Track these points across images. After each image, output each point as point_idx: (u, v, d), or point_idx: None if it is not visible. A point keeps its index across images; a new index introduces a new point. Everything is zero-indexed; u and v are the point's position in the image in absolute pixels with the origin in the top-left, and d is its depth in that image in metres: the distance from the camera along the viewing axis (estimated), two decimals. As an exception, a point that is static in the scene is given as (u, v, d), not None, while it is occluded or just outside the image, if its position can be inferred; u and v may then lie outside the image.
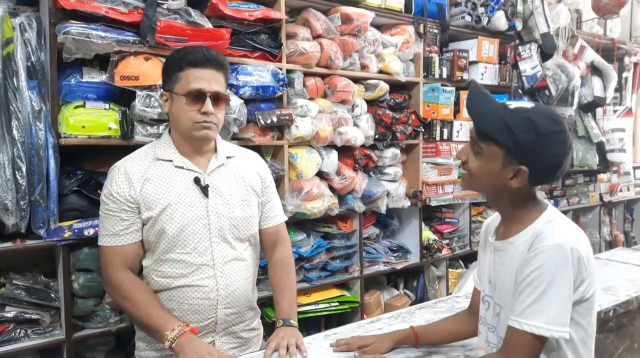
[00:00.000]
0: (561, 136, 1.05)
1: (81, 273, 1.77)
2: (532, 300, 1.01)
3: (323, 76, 2.44)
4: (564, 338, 1.01)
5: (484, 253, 1.24)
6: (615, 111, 4.21)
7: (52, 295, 1.77)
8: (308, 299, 2.40)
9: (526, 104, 1.10)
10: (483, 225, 1.30)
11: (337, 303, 2.47)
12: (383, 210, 2.64)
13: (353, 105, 2.51)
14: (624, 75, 4.29)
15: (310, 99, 2.37)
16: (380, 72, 2.63)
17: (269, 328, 1.89)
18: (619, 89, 4.24)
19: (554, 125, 1.04)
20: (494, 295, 1.16)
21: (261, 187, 1.57)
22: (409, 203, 2.78)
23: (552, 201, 3.65)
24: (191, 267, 1.41)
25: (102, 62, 1.83)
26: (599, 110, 4.04)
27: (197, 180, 1.44)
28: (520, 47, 3.25)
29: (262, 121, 2.12)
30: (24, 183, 1.63)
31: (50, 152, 1.68)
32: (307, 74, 2.36)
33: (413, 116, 2.78)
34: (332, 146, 2.45)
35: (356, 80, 2.56)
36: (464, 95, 2.96)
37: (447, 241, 3.08)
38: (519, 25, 3.23)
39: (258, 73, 2.10)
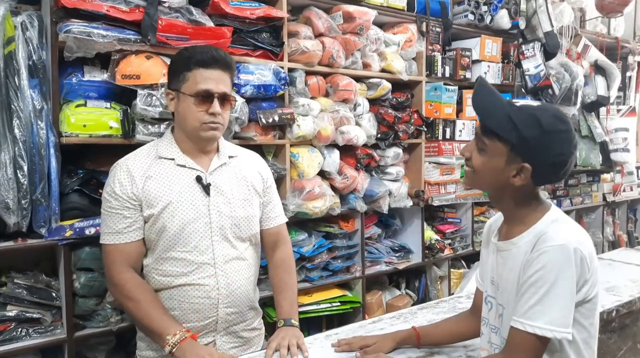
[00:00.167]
0: (566, 135, 1.04)
1: (82, 272, 1.77)
2: (535, 301, 1.00)
3: (325, 75, 2.44)
4: (567, 339, 1.01)
5: (486, 253, 1.24)
6: (618, 110, 4.19)
7: (54, 295, 1.77)
8: (309, 299, 2.39)
9: (532, 102, 1.09)
10: (485, 225, 1.29)
11: (339, 303, 2.46)
12: (385, 209, 2.63)
13: (355, 104, 2.50)
14: (628, 74, 4.27)
15: (312, 97, 2.36)
16: (383, 70, 2.62)
17: (270, 328, 1.89)
18: (623, 88, 4.23)
19: (560, 124, 1.03)
20: (497, 295, 1.15)
21: (263, 187, 1.57)
22: (411, 203, 2.78)
23: (555, 201, 3.64)
24: (192, 266, 1.41)
25: (104, 60, 1.83)
26: (603, 110, 4.03)
27: (199, 179, 1.44)
28: (523, 46, 3.24)
29: (263, 120, 2.11)
30: (25, 182, 1.63)
31: (52, 151, 1.68)
32: (308, 73, 2.36)
33: (415, 115, 2.77)
34: (333, 145, 2.44)
35: (358, 79, 2.56)
36: (466, 94, 2.95)
37: (449, 241, 3.07)
38: (522, 24, 3.22)
39: (260, 72, 2.10)
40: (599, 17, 4.00)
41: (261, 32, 2.17)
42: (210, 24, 1.96)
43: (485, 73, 3.04)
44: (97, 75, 1.81)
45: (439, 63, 2.83)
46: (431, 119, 2.83)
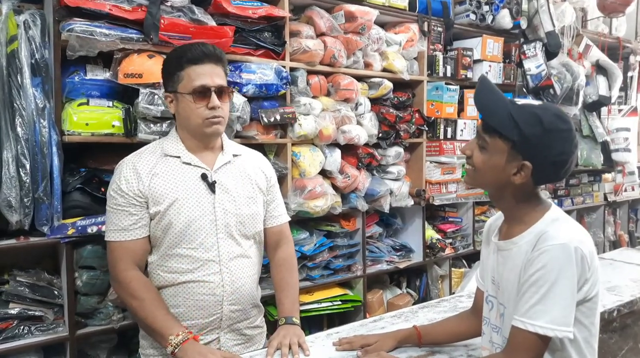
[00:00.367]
0: (568, 134, 1.04)
1: (84, 270, 1.78)
2: (536, 300, 1.00)
3: (326, 74, 2.44)
4: (568, 338, 1.01)
5: (486, 253, 1.24)
6: (620, 110, 4.18)
7: (56, 293, 1.78)
8: (310, 298, 2.40)
9: (534, 101, 1.10)
10: (485, 224, 1.29)
11: (340, 302, 2.47)
12: (386, 209, 2.63)
13: (356, 103, 2.50)
14: (629, 74, 4.27)
15: (314, 97, 2.36)
16: (384, 70, 2.63)
17: (272, 326, 1.89)
18: (624, 88, 4.22)
19: (561, 123, 1.04)
20: (498, 295, 1.16)
21: (266, 186, 1.58)
22: (412, 202, 2.78)
23: (556, 201, 3.64)
24: (197, 263, 1.41)
25: (106, 59, 1.83)
26: (604, 110, 4.02)
27: (204, 177, 1.44)
28: (524, 46, 3.23)
29: (265, 119, 2.12)
30: (27, 180, 1.63)
31: (54, 149, 1.68)
32: (310, 72, 2.36)
33: (417, 115, 2.77)
34: (335, 144, 2.44)
35: (360, 78, 2.56)
36: (468, 93, 2.95)
37: (450, 240, 3.07)
38: (523, 24, 3.21)
39: (261, 71, 2.10)
40: (601, 17, 3.99)
41: (263, 32, 2.18)
42: (212, 23, 1.96)
43: (487, 73, 3.04)
44: (99, 74, 1.82)
45: (441, 63, 2.82)
46: (432, 118, 2.83)
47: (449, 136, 2.91)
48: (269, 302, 2.09)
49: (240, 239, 1.48)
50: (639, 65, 4.32)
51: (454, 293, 2.97)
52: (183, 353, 1.28)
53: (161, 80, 1.78)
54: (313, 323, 2.46)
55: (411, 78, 2.72)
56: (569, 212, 3.49)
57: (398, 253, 2.84)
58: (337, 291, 2.51)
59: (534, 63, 3.22)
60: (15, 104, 1.63)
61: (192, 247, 1.41)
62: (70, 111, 1.72)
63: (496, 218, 1.25)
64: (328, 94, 2.44)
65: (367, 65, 2.56)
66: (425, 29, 2.77)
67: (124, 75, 1.78)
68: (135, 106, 1.81)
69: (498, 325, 1.16)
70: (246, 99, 2.05)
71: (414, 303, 2.76)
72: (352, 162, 2.52)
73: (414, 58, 2.78)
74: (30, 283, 1.74)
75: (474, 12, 2.95)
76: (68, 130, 1.72)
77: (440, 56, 2.82)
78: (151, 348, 1.46)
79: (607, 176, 4.17)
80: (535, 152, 1.04)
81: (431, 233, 2.97)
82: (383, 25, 2.70)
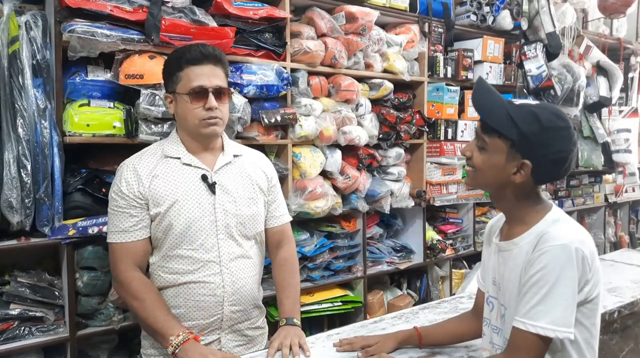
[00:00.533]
0: (566, 132, 1.05)
1: (85, 271, 1.78)
2: (537, 301, 1.00)
3: (327, 75, 2.44)
4: (569, 338, 1.01)
5: (487, 254, 1.24)
6: (621, 111, 4.18)
7: (56, 293, 1.78)
8: (311, 299, 2.40)
9: (531, 101, 1.11)
10: (487, 225, 1.29)
11: (340, 303, 2.47)
12: (387, 209, 2.63)
13: (357, 104, 2.51)
14: (630, 75, 4.26)
15: (315, 98, 2.36)
16: (385, 71, 2.63)
17: (273, 327, 1.89)
18: (625, 89, 4.22)
19: (559, 121, 1.04)
20: (499, 296, 1.16)
21: (267, 186, 1.58)
22: (412, 203, 2.78)
23: (556, 202, 3.63)
24: (198, 263, 1.42)
25: (107, 60, 1.84)
26: (605, 111, 4.02)
27: (204, 178, 1.44)
28: (525, 47, 3.23)
29: (266, 120, 2.12)
30: (28, 181, 1.64)
31: (55, 150, 1.68)
32: (311, 73, 2.36)
33: (417, 116, 2.77)
34: (335, 145, 2.44)
35: (360, 79, 2.56)
36: (468, 94, 2.95)
37: (450, 241, 3.07)
38: (524, 25, 3.21)
39: (262, 72, 2.10)
40: (602, 18, 3.99)
41: (264, 33, 2.18)
42: (213, 24, 1.97)
43: (487, 74, 3.04)
44: (100, 75, 1.82)
45: (441, 63, 2.83)
46: (433, 119, 2.83)
47: (449, 137, 2.91)
48: (269, 303, 2.09)
49: (240, 240, 1.48)
50: (640, 66, 4.32)
51: (454, 294, 2.97)
52: (184, 353, 1.28)
53: (162, 81, 1.80)
54: (313, 324, 2.46)
55: (412, 79, 2.72)
56: (569, 213, 3.49)
57: (398, 254, 2.84)
58: (338, 292, 2.51)
59: (535, 64, 3.22)
60: (16, 105, 1.63)
61: (192, 248, 1.42)
62: (72, 112, 1.73)
63: (498, 219, 1.25)
64: (329, 95, 2.44)
65: (368, 66, 2.56)
66: (426, 30, 2.77)
67: (125, 76, 1.78)
68: (136, 107, 1.81)
69: (498, 326, 1.16)
70: (247, 100, 2.05)
71: (414, 304, 2.76)
72: (352, 163, 2.52)
73: (415, 59, 2.78)
74: (31, 284, 1.74)
75: (474, 13, 2.95)
76: (69, 131, 1.73)
77: (440, 57, 2.82)
78: (152, 348, 1.46)
79: (608, 177, 4.17)
80: (535, 150, 1.04)
81: (432, 234, 2.97)
82: (384, 26, 2.70)
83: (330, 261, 2.51)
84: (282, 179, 2.22)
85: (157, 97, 1.80)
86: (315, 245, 2.42)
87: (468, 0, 2.93)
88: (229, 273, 1.44)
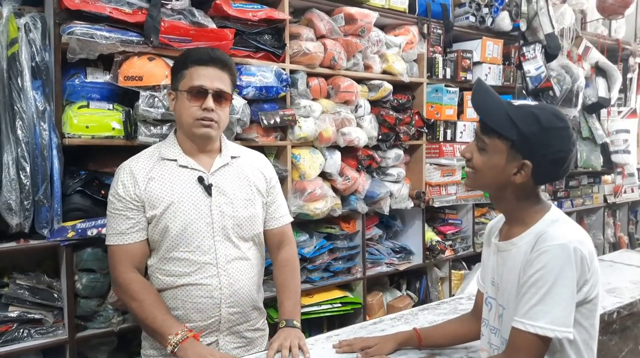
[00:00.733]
0: (565, 132, 1.05)
1: (84, 273, 1.78)
2: (536, 301, 1.00)
3: (326, 76, 2.44)
4: (568, 338, 1.01)
5: (487, 254, 1.24)
6: (619, 112, 4.19)
7: (55, 295, 1.77)
8: (310, 300, 2.40)
9: (530, 102, 1.12)
10: (487, 226, 1.29)
11: (340, 305, 2.47)
12: (386, 211, 2.63)
13: (356, 105, 2.51)
14: (629, 76, 4.27)
15: (314, 99, 2.36)
16: (384, 72, 2.63)
17: (272, 329, 1.89)
18: (624, 89, 4.22)
19: (558, 121, 1.05)
20: (497, 296, 1.16)
21: (266, 187, 1.58)
22: (412, 204, 2.78)
23: (555, 202, 3.64)
24: (195, 266, 1.42)
25: (106, 62, 1.84)
26: (604, 111, 4.02)
27: (200, 179, 1.44)
28: (524, 48, 3.24)
29: (265, 122, 2.12)
30: (27, 183, 1.64)
31: (54, 152, 1.68)
32: (310, 75, 2.36)
33: (416, 117, 2.78)
34: (335, 147, 2.44)
35: (359, 80, 2.56)
36: (467, 95, 2.95)
37: (450, 242, 3.07)
38: (523, 26, 3.22)
39: (261, 73, 2.10)
40: (600, 19, 4.00)
41: (263, 34, 2.18)
42: (212, 25, 1.97)
43: (486, 75, 3.05)
44: (99, 77, 1.82)
45: (440, 65, 2.83)
46: (432, 120, 2.83)
47: (448, 138, 2.91)
48: (269, 304, 2.09)
49: (237, 241, 1.48)
50: (639, 67, 4.32)
51: (453, 295, 2.97)
52: (183, 352, 1.28)
53: (161, 83, 1.80)
54: (313, 325, 2.46)
55: (411, 80, 2.73)
56: (568, 214, 3.48)
57: (398, 256, 2.84)
58: (337, 293, 2.50)
59: (534, 65, 3.23)
60: (15, 107, 1.63)
61: (189, 250, 1.42)
62: (71, 114, 1.73)
63: (497, 220, 1.25)
64: (328, 96, 2.44)
65: (367, 68, 2.56)
66: (425, 31, 2.77)
67: (124, 77, 1.78)
68: (135, 109, 1.81)
69: (496, 327, 1.16)
70: (246, 102, 2.05)
71: (413, 306, 2.76)
72: (352, 164, 2.52)
73: (414, 60, 2.78)
74: (30, 286, 1.74)
75: (473, 15, 2.95)
76: (68, 133, 1.73)
77: (439, 58, 2.83)
78: (152, 349, 1.46)
79: (607, 178, 4.17)
80: (535, 150, 1.04)
81: (431, 236, 2.97)
82: (383, 27, 2.70)
83: (330, 262, 2.51)
84: (282, 181, 2.22)
85: (156, 99, 1.80)
86: (315, 247, 2.42)
87: (467, 1, 2.94)
88: (226, 275, 1.44)
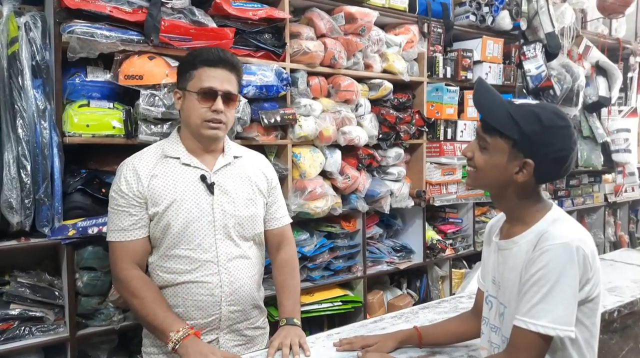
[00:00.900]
0: (566, 130, 1.05)
1: (85, 271, 1.78)
2: (538, 300, 1.00)
3: (327, 75, 2.44)
4: (570, 337, 1.01)
5: (487, 252, 1.24)
6: (620, 111, 4.19)
7: (56, 293, 1.78)
8: (311, 299, 2.40)
9: (531, 101, 1.12)
10: (487, 225, 1.30)
11: (340, 303, 2.47)
12: (386, 209, 2.64)
13: (357, 104, 2.51)
14: (629, 75, 4.27)
15: (314, 98, 2.37)
16: (384, 71, 2.63)
17: (273, 327, 1.89)
18: (624, 89, 4.22)
19: (559, 120, 1.05)
20: (498, 295, 1.16)
21: (267, 188, 1.58)
22: (412, 203, 2.78)
23: (556, 201, 3.64)
24: (195, 263, 1.42)
25: (107, 61, 1.84)
26: (604, 111, 4.03)
27: (203, 178, 1.45)
28: (524, 47, 3.24)
29: (265, 120, 2.12)
30: (28, 181, 1.64)
31: (55, 150, 1.68)
32: (310, 74, 2.36)
33: (417, 116, 2.78)
34: (335, 146, 2.44)
35: (360, 79, 2.56)
36: (468, 94, 2.96)
37: (450, 241, 3.07)
38: (523, 25, 3.22)
39: (262, 72, 2.10)
40: (601, 18, 4.00)
41: (263, 33, 2.18)
42: (212, 24, 1.97)
43: (487, 74, 3.05)
44: (100, 76, 1.82)
45: (441, 64, 2.83)
46: (432, 119, 2.83)
47: (449, 137, 2.91)
48: (269, 302, 2.09)
49: (238, 240, 1.48)
50: (639, 66, 4.32)
51: (454, 294, 2.97)
52: (184, 349, 1.28)
53: (162, 82, 1.80)
54: (313, 324, 2.46)
55: (411, 79, 2.73)
56: (569, 213, 3.47)
57: (398, 254, 2.84)
58: (338, 292, 2.51)
59: (534, 64, 3.22)
60: (16, 106, 1.64)
61: (190, 248, 1.42)
62: (71, 112, 1.73)
63: (498, 219, 1.25)
64: (328, 95, 2.44)
65: (367, 67, 2.56)
66: (425, 30, 2.77)
67: (125, 76, 1.78)
68: (135, 107, 1.81)
69: (497, 325, 1.16)
70: (246, 100, 2.05)
71: (414, 304, 2.76)
72: (352, 163, 2.52)
73: (414, 59, 2.78)
74: (31, 284, 1.74)
75: (473, 14, 2.95)
76: (69, 132, 1.73)
77: (440, 57, 2.83)
78: (152, 347, 1.47)
79: (608, 177, 4.17)
80: (536, 149, 1.05)
81: (431, 234, 2.98)
82: (383, 26, 2.70)
83: (330, 261, 2.51)
84: (282, 179, 2.22)
85: (156, 98, 1.80)
86: (315, 245, 2.42)
87: (467, 0, 2.94)
88: (226, 273, 1.44)
